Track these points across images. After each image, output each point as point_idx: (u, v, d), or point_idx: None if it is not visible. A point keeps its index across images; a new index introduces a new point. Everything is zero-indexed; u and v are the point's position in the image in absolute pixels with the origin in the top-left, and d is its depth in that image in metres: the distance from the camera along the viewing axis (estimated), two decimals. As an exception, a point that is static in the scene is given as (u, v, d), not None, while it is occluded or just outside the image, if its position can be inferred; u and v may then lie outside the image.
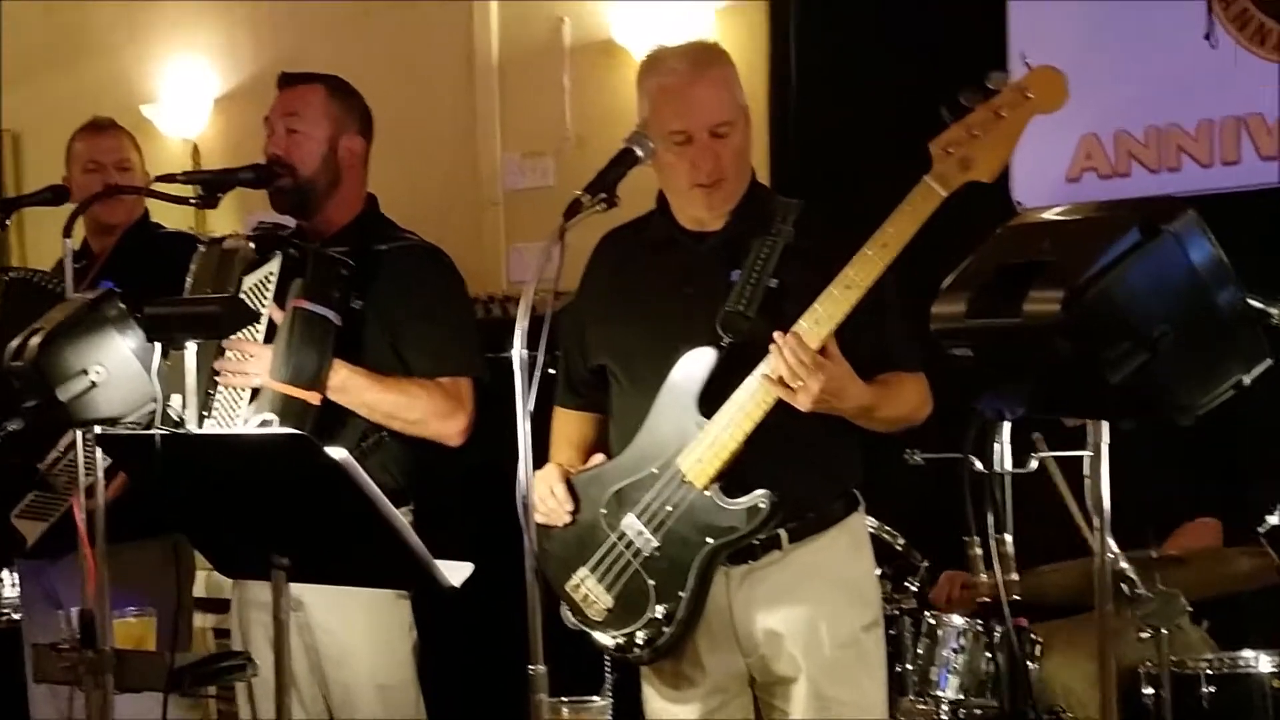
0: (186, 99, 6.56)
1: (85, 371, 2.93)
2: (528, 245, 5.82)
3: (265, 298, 3.39)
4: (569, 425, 3.42)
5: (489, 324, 4.97)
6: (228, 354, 3.38)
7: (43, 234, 4.66)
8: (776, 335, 2.93)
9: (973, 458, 3.02)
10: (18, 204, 4.24)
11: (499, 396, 3.48)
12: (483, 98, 5.85)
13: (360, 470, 2.67)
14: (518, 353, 2.66)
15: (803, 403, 2.94)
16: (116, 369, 2.95)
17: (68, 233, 3.49)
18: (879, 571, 3.56)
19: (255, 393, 3.36)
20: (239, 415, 3.36)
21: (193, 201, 3.53)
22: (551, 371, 3.17)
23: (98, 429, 2.99)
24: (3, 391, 3.49)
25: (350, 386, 3.42)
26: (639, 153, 2.92)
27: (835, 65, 5.02)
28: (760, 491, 3.02)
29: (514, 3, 5.79)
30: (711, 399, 3.04)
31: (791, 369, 2.91)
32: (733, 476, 3.04)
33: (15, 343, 3.01)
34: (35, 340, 2.94)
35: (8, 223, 4.13)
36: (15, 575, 5.05)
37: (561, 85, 5.64)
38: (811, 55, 5.07)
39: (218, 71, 6.54)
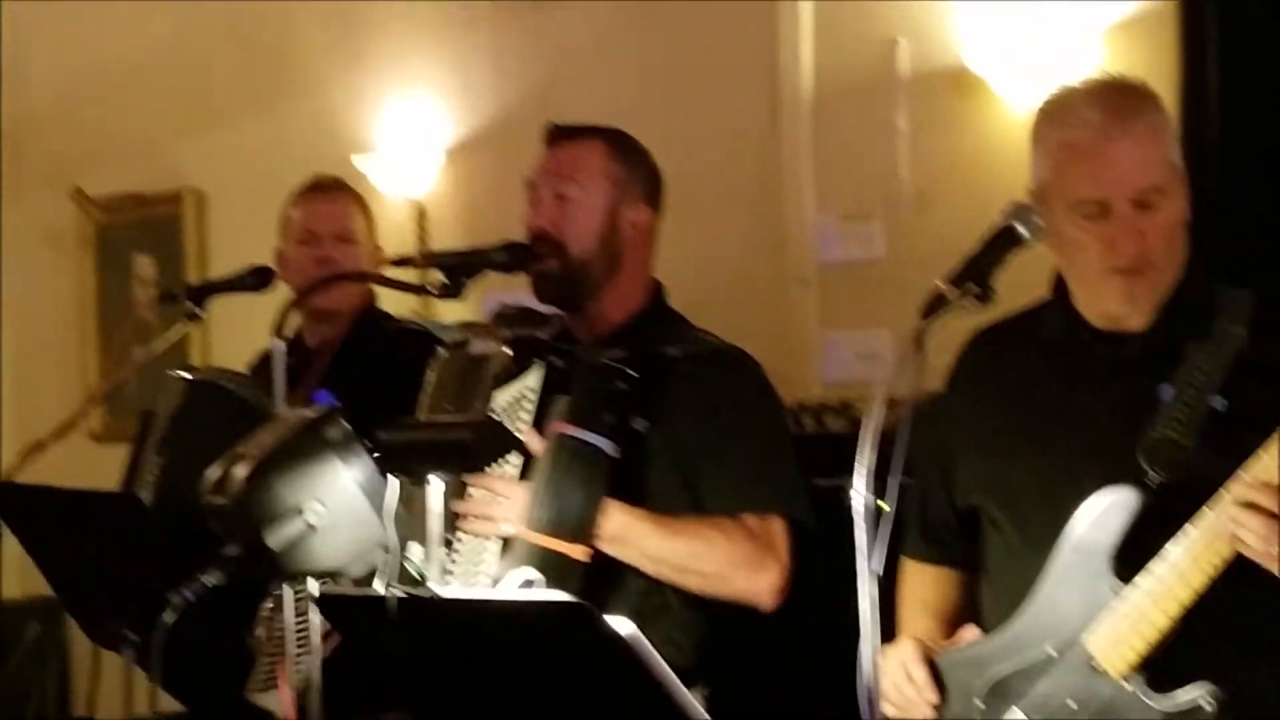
0: (410, 149, 6.74)
1: (300, 511, 2.96)
2: (848, 335, 5.81)
3: (521, 420, 3.42)
4: (924, 585, 3.39)
5: (796, 441, 4.96)
6: (471, 491, 3.40)
7: (233, 315, 4.76)
8: (1240, 477, 2.85)
9: None
10: (212, 290, 4.32)
11: (817, 541, 3.48)
12: (790, 145, 5.89)
13: (650, 649, 2.65)
14: (860, 497, 2.63)
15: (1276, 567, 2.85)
16: (339, 509, 2.98)
17: (278, 331, 3.54)
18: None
19: (506, 542, 3.38)
20: (482, 570, 3.39)
21: (433, 292, 3.57)
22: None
23: (314, 584, 3.03)
24: (193, 534, 3.60)
25: (629, 535, 3.41)
26: (1023, 231, 2.89)
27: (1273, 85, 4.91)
28: (1203, 688, 2.93)
29: (831, 23, 5.83)
30: (1132, 558, 2.97)
31: (1263, 522, 2.82)
32: (1161, 664, 2.96)
33: (214, 473, 3.07)
34: (240, 471, 2.99)
35: (200, 313, 4.24)
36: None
37: (894, 127, 5.64)
38: (1239, 74, 4.95)
39: (449, 115, 6.70)
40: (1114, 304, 3.11)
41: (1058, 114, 3.14)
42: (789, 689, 4.70)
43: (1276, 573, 2.85)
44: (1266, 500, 2.82)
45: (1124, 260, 3.05)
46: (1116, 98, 3.12)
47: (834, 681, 3.02)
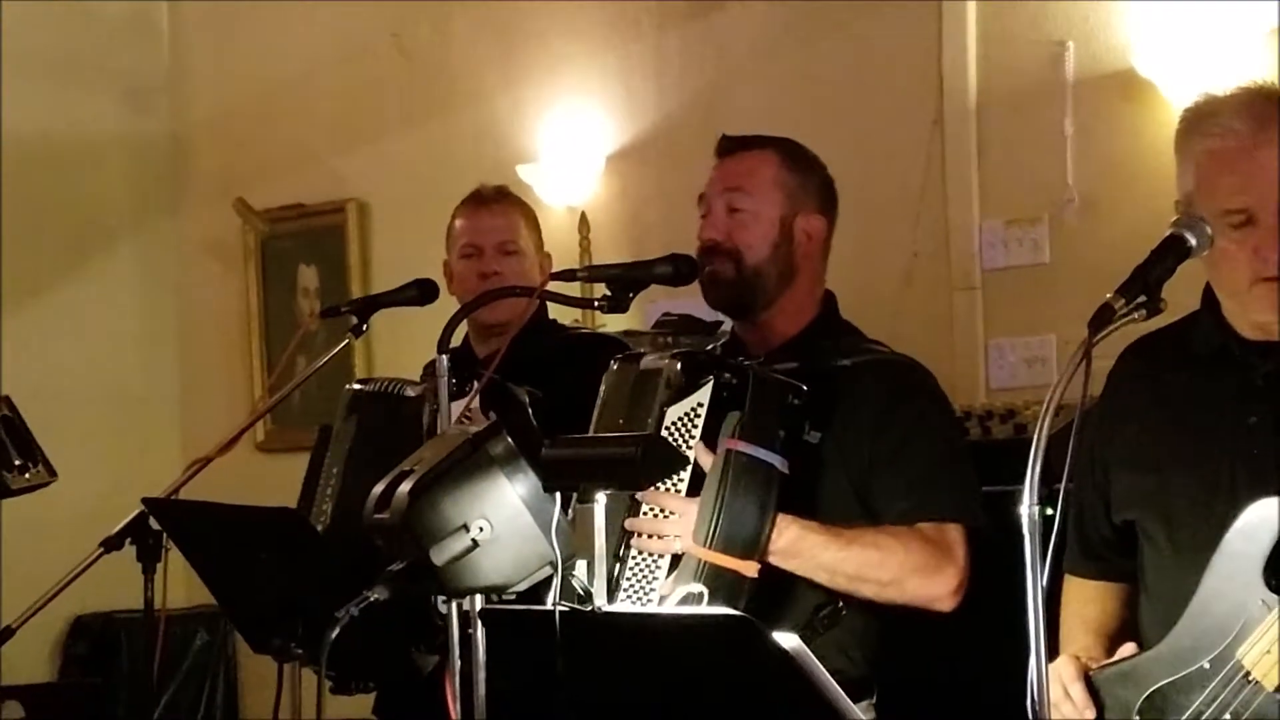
0: (572, 157, 6.78)
1: (466, 528, 2.97)
2: (1014, 341, 5.77)
3: (691, 435, 3.40)
4: (1085, 601, 3.36)
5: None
6: (643, 508, 3.40)
7: (402, 326, 4.79)
8: None
9: None
10: (376, 304, 4.33)
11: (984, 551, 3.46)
12: (955, 150, 5.87)
13: (815, 663, 2.65)
14: (1027, 510, 2.61)
15: None
16: (505, 525, 2.98)
17: (443, 347, 3.56)
18: None
19: (676, 559, 3.38)
20: (653, 587, 3.37)
21: (598, 305, 3.58)
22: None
23: (479, 600, 3.05)
24: (359, 551, 3.64)
25: (803, 548, 3.40)
26: (1192, 241, 2.87)
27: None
28: (1354, 696, 2.90)
29: (997, 25, 5.80)
30: (1288, 569, 2.95)
31: None
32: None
33: (379, 489, 3.09)
34: (404, 487, 3.01)
35: (365, 328, 4.28)
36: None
37: (1061, 131, 5.61)
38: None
39: (611, 123, 6.73)
40: (1262, 314, 3.09)
41: (1201, 123, 3.12)
42: (958, 700, 4.67)
43: None
44: None
45: (1271, 269, 3.02)
46: (1260, 105, 3.10)
47: (1000, 693, 3.01)
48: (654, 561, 3.39)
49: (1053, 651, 3.21)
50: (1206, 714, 3.00)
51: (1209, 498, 3.08)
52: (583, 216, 6.72)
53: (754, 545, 3.33)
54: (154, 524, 4.07)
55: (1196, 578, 3.03)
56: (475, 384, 3.72)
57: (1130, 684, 3.11)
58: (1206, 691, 3.00)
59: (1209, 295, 3.19)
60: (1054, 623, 3.24)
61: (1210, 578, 3.01)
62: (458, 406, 3.91)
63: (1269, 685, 2.94)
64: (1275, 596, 2.94)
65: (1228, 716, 2.97)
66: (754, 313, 3.64)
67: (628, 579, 3.40)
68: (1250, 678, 2.96)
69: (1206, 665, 3.00)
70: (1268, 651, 2.94)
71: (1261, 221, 3.02)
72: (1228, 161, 3.05)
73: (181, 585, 4.61)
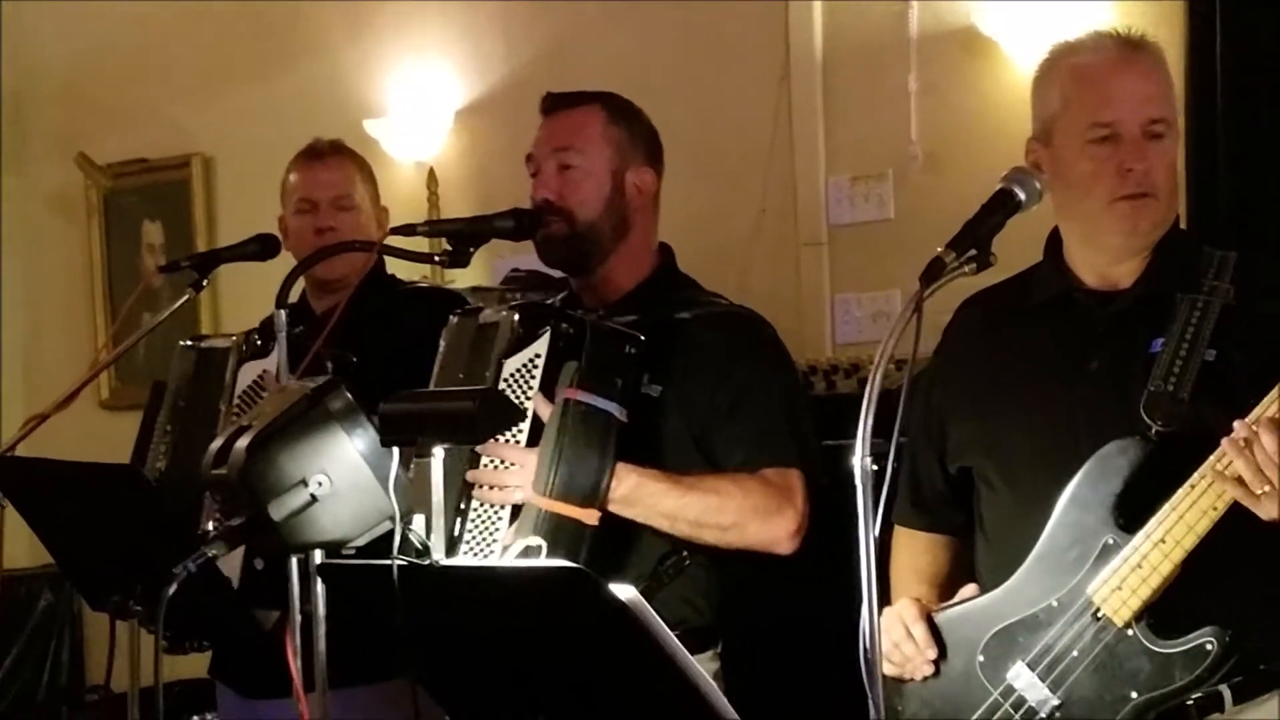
0: (420, 113, 6.75)
1: (305, 483, 2.96)
2: (859, 297, 5.82)
3: (530, 386, 3.40)
4: (915, 552, 3.41)
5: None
6: (483, 460, 3.40)
7: (247, 282, 4.76)
8: (1240, 424, 2.87)
9: None
10: (217, 260, 4.30)
11: (827, 503, 3.50)
12: (801, 107, 5.89)
13: (652, 615, 2.67)
14: (860, 462, 2.64)
15: (1270, 512, 2.87)
16: (344, 480, 2.97)
17: (281, 302, 3.55)
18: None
19: (516, 510, 3.39)
20: (495, 539, 3.38)
21: (439, 260, 3.57)
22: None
23: (318, 555, 3.05)
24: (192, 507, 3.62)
25: (642, 495, 3.41)
26: (1021, 195, 2.89)
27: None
28: (1207, 629, 2.95)
29: (843, -16, 5.83)
30: (1133, 508, 2.99)
31: (1259, 465, 2.84)
32: (1165, 611, 2.98)
33: (217, 444, 3.07)
34: (242, 442, 3.00)
35: (206, 283, 4.24)
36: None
37: (905, 89, 5.65)
38: (1248, 55, 4.95)
39: (459, 78, 6.71)
40: (1118, 234, 3.13)
41: (1069, 47, 3.19)
42: (800, 648, 4.72)
43: (1263, 517, 2.88)
44: (1260, 443, 2.84)
45: (1132, 185, 3.07)
46: (1124, 36, 3.18)
47: (838, 641, 3.05)
48: (495, 513, 3.40)
49: (885, 602, 3.26)
50: (1055, 650, 3.05)
51: (1049, 442, 3.13)
52: (431, 172, 6.71)
53: (593, 493, 3.35)
54: (-8, 482, 4.02)
55: (1037, 520, 3.08)
56: (276, 344, 3.70)
57: (974, 624, 3.16)
58: (1055, 629, 3.05)
59: (1051, 245, 3.23)
60: (887, 574, 3.29)
61: (1058, 519, 3.07)
62: (257, 366, 3.92)
63: (1119, 621, 2.99)
64: (1126, 535, 2.99)
65: (1076, 653, 3.03)
66: (590, 268, 3.64)
67: (469, 531, 3.41)
68: (1100, 614, 3.01)
69: (1055, 603, 3.06)
70: (1118, 588, 2.99)
71: (1125, 138, 3.07)
72: (1097, 77, 3.11)
73: (25, 545, 4.57)
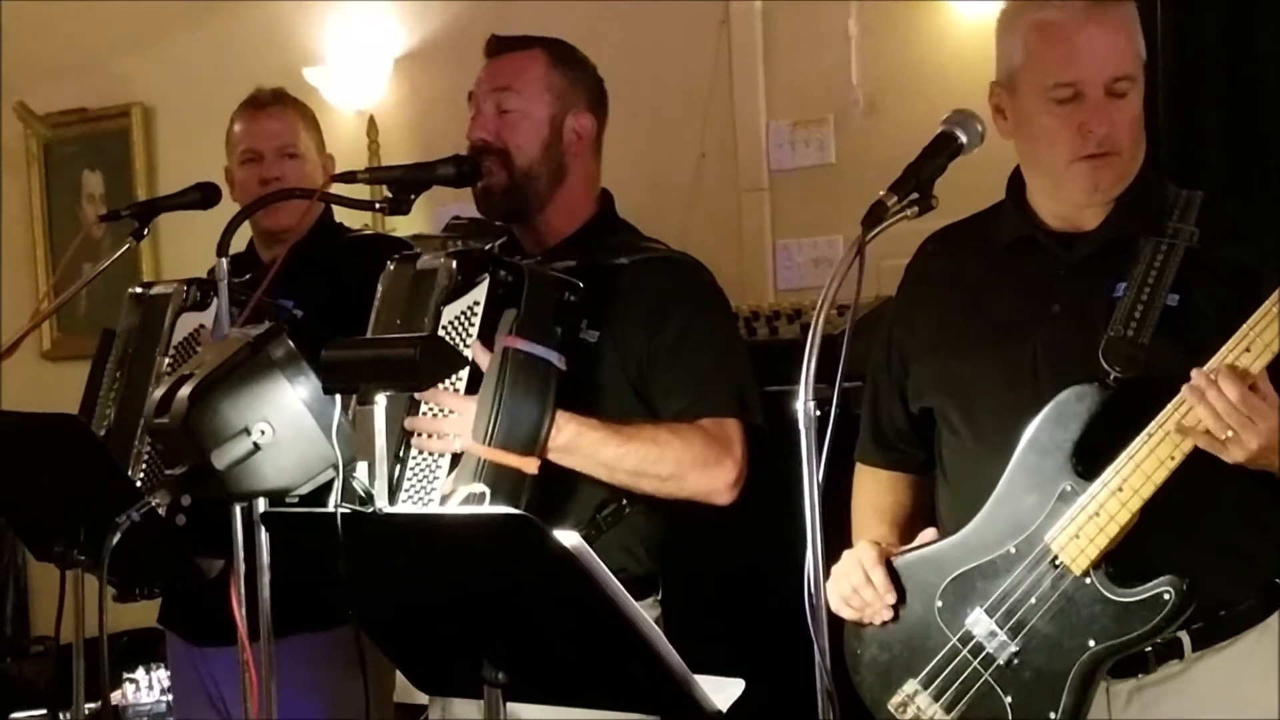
0: (360, 60, 6.72)
1: (247, 431, 2.97)
2: (800, 242, 5.83)
3: (469, 334, 3.38)
4: (877, 491, 3.42)
5: (751, 348, 5.00)
6: (422, 408, 3.40)
7: (188, 232, 4.73)
8: (1197, 372, 2.86)
9: None
10: (157, 209, 4.25)
11: (771, 449, 3.50)
12: (741, 51, 5.88)
13: (596, 561, 2.67)
14: (804, 406, 2.64)
15: (1235, 456, 2.86)
16: (286, 428, 2.98)
17: (222, 251, 3.53)
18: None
19: (456, 458, 3.39)
20: (435, 487, 3.37)
21: (379, 206, 3.56)
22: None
23: (261, 503, 3.04)
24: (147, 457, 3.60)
25: (581, 444, 3.41)
26: (963, 138, 2.89)
27: (1220, 43, 4.92)
28: (1165, 577, 2.95)
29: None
30: (1092, 455, 2.99)
31: (1220, 413, 2.84)
32: (1123, 558, 2.98)
33: (158, 393, 3.07)
34: (184, 391, 2.99)
35: (146, 232, 4.22)
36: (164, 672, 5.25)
37: (846, 34, 5.63)
38: (1187, 32, 4.96)
39: (399, 25, 6.67)
40: (1079, 193, 3.11)
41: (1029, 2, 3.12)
42: (744, 594, 4.73)
43: (1229, 461, 2.87)
44: (1219, 391, 2.83)
45: (1093, 145, 3.05)
46: None
47: (783, 586, 3.05)
48: (434, 461, 3.39)
49: (845, 541, 3.27)
50: (1013, 597, 3.05)
51: (1010, 386, 3.12)
52: (371, 120, 6.69)
53: (533, 441, 3.34)
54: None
55: (997, 464, 3.08)
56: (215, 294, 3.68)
57: (933, 568, 3.16)
58: (1013, 576, 3.05)
59: (1014, 185, 3.22)
60: (832, 518, 3.29)
61: (1016, 463, 3.06)
62: (195, 318, 3.90)
63: (1076, 570, 3.00)
64: (1085, 482, 2.99)
65: (1034, 600, 3.03)
66: (529, 215, 3.63)
67: (409, 479, 3.40)
68: (1058, 562, 3.01)
69: (1013, 550, 3.06)
70: (1075, 536, 2.99)
71: (1088, 97, 3.04)
72: (1059, 34, 3.06)
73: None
